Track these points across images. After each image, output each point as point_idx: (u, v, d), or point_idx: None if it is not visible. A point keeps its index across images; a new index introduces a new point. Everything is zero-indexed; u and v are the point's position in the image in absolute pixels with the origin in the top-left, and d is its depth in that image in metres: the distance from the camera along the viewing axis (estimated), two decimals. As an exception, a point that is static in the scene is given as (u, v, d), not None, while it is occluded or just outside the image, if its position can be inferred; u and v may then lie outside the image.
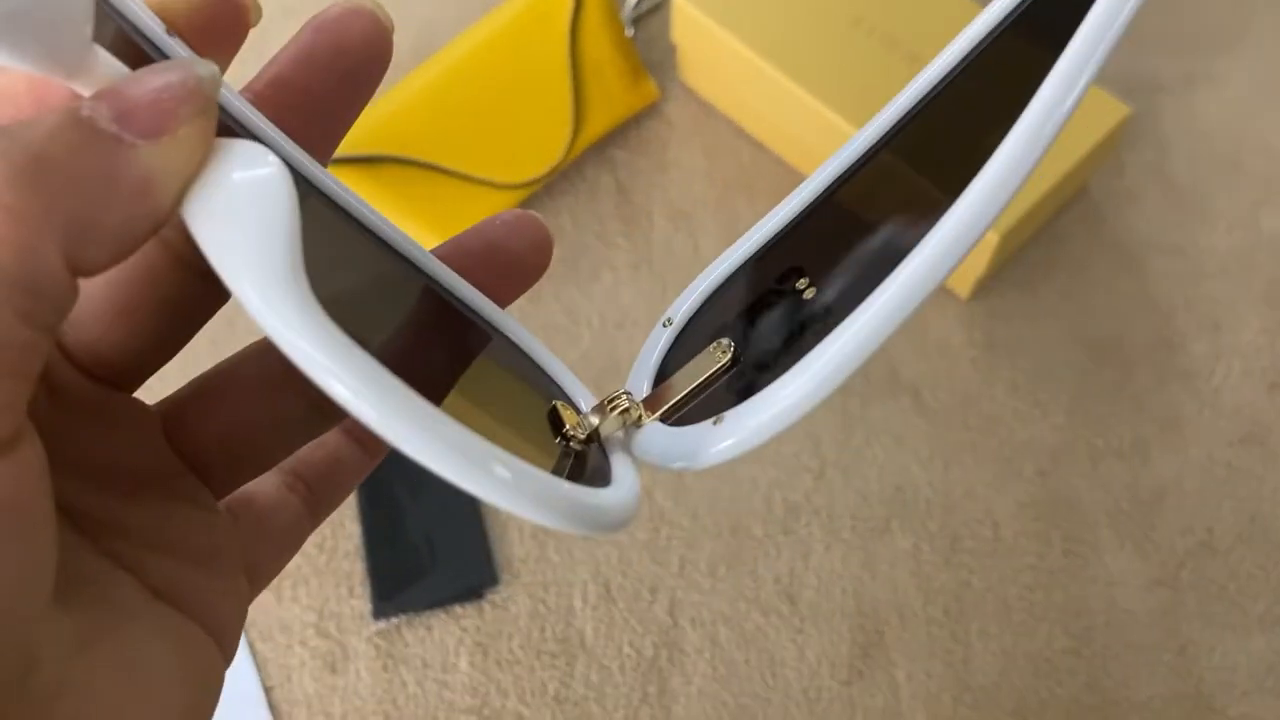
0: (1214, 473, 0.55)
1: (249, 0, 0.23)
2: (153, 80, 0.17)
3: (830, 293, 0.22)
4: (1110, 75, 0.65)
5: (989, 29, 0.24)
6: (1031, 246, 0.60)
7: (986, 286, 0.59)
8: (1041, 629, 0.52)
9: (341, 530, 0.53)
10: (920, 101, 0.24)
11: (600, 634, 0.51)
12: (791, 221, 0.25)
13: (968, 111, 0.24)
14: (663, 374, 0.23)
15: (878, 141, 0.24)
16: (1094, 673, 0.51)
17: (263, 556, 0.23)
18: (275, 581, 0.52)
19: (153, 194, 0.17)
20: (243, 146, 0.17)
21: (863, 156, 0.25)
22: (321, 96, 0.22)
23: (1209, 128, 0.64)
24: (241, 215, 0.16)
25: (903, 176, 0.24)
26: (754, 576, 0.53)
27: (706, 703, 0.50)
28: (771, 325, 0.23)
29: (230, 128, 0.20)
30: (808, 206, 0.25)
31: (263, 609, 0.52)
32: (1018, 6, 0.23)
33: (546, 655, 0.51)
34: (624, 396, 0.23)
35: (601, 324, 0.58)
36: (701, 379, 0.22)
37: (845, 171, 0.25)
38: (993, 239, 0.53)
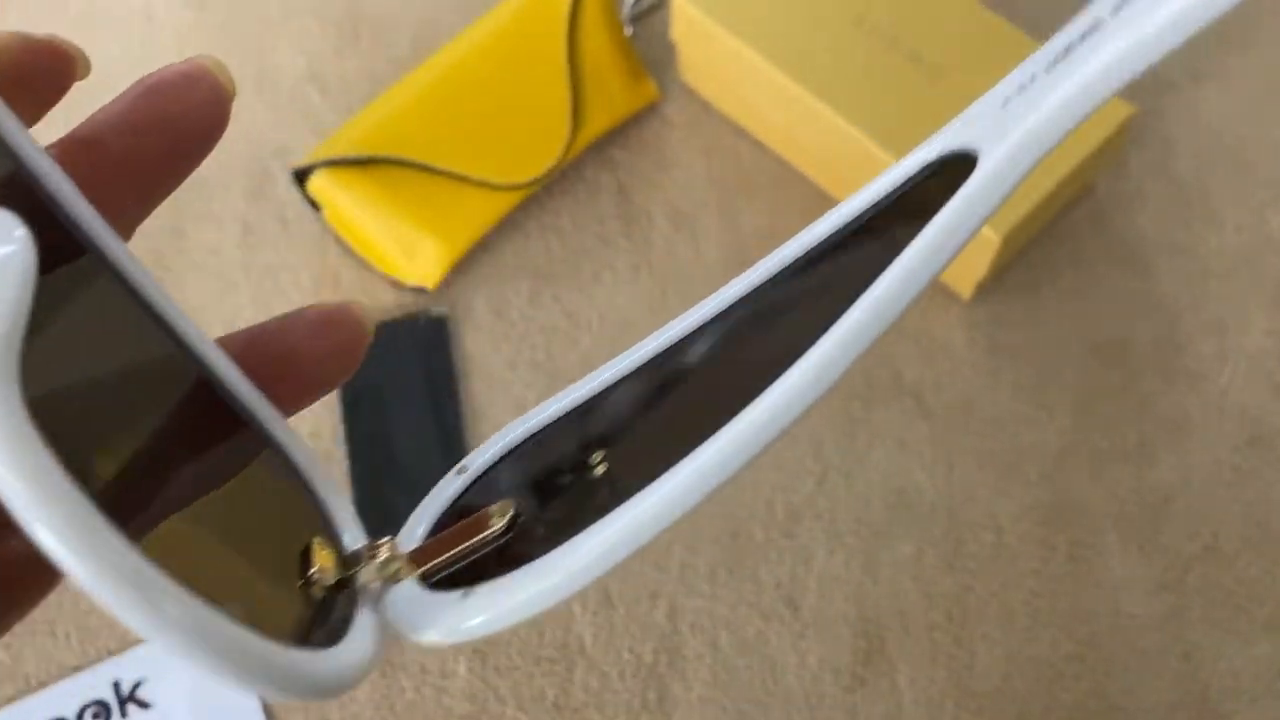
0: (1220, 476, 0.54)
1: (76, 51, 0.20)
2: None
3: (618, 474, 0.21)
4: (1115, 73, 0.64)
5: (835, 228, 0.22)
6: (1035, 247, 0.59)
7: (989, 288, 0.58)
8: (1045, 634, 0.51)
9: (339, 535, 0.53)
10: (752, 292, 0.23)
11: (599, 640, 0.51)
12: (602, 390, 0.23)
13: (787, 312, 0.22)
14: (442, 526, 0.22)
15: (697, 328, 0.23)
16: (1098, 678, 0.50)
17: None
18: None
19: None
20: None
21: (684, 339, 0.23)
22: (138, 166, 0.20)
23: (1216, 127, 0.63)
24: None
25: (715, 366, 0.23)
26: (755, 581, 0.52)
27: (707, 709, 0.50)
28: (556, 497, 0.21)
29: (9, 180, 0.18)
30: (622, 378, 0.23)
31: (259, 615, 0.51)
32: (856, 219, 0.22)
33: (545, 661, 0.51)
34: (387, 546, 0.21)
35: (601, 326, 0.58)
36: (471, 541, 0.20)
37: (663, 352, 0.23)
38: (994, 240, 0.53)
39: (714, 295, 0.23)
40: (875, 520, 0.53)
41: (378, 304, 0.58)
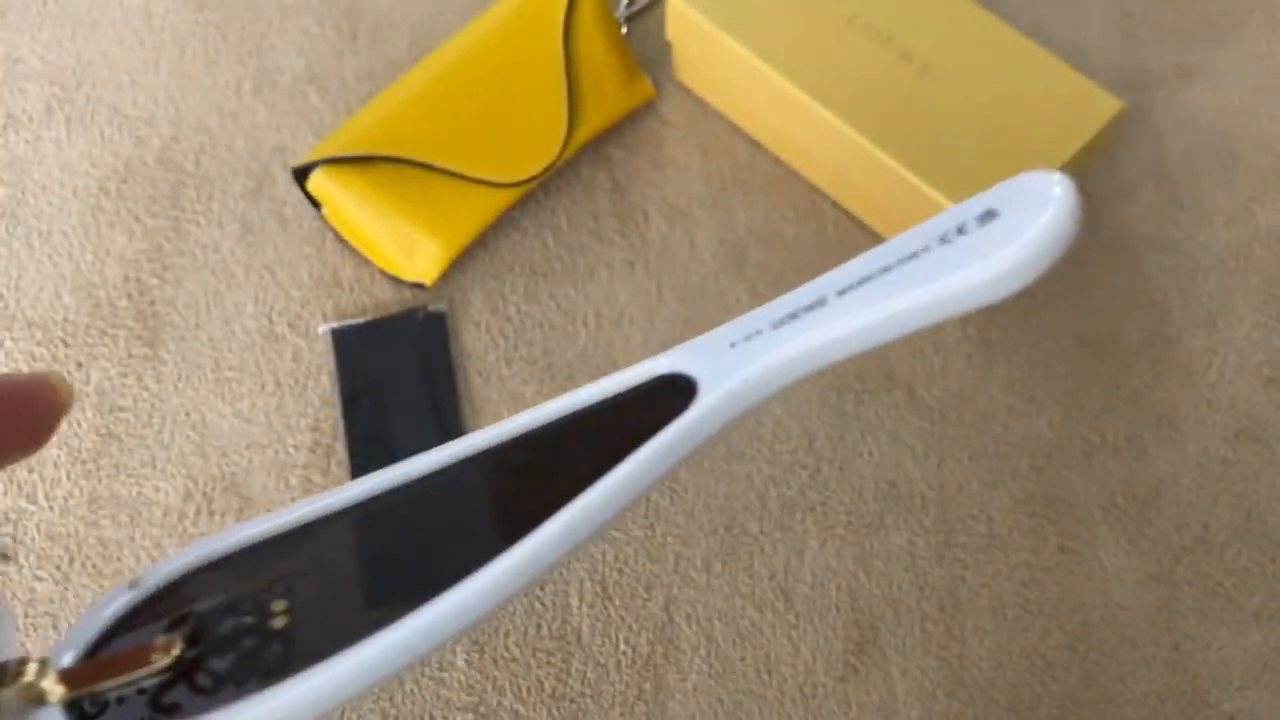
0: (1210, 468, 0.55)
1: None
2: None
3: (298, 632, 0.20)
4: (1105, 69, 0.65)
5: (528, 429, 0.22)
6: (1027, 242, 0.60)
7: (982, 282, 0.59)
8: (1036, 625, 0.52)
9: (338, 529, 0.53)
10: (473, 458, 0.22)
11: (596, 631, 0.52)
12: (297, 528, 0.22)
13: (495, 493, 0.22)
14: (103, 644, 0.20)
15: (405, 483, 0.22)
16: (1089, 668, 0.51)
17: None
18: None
19: None
20: None
21: (392, 491, 0.22)
22: None
23: (1205, 122, 0.64)
24: None
25: (410, 533, 0.22)
26: (749, 573, 0.53)
27: (702, 699, 0.50)
28: (229, 642, 0.20)
29: None
30: (319, 518, 0.22)
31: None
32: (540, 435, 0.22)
33: (543, 653, 0.51)
34: (34, 666, 0.19)
35: (598, 322, 0.58)
36: (128, 676, 0.19)
37: (360, 504, 0.22)
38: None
39: (433, 451, 0.22)
40: (868, 512, 0.54)
41: (376, 300, 0.59)
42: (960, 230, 0.18)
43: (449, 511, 0.22)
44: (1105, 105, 0.56)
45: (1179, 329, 0.58)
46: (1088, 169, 0.61)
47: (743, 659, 0.51)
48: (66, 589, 0.52)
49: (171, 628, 0.20)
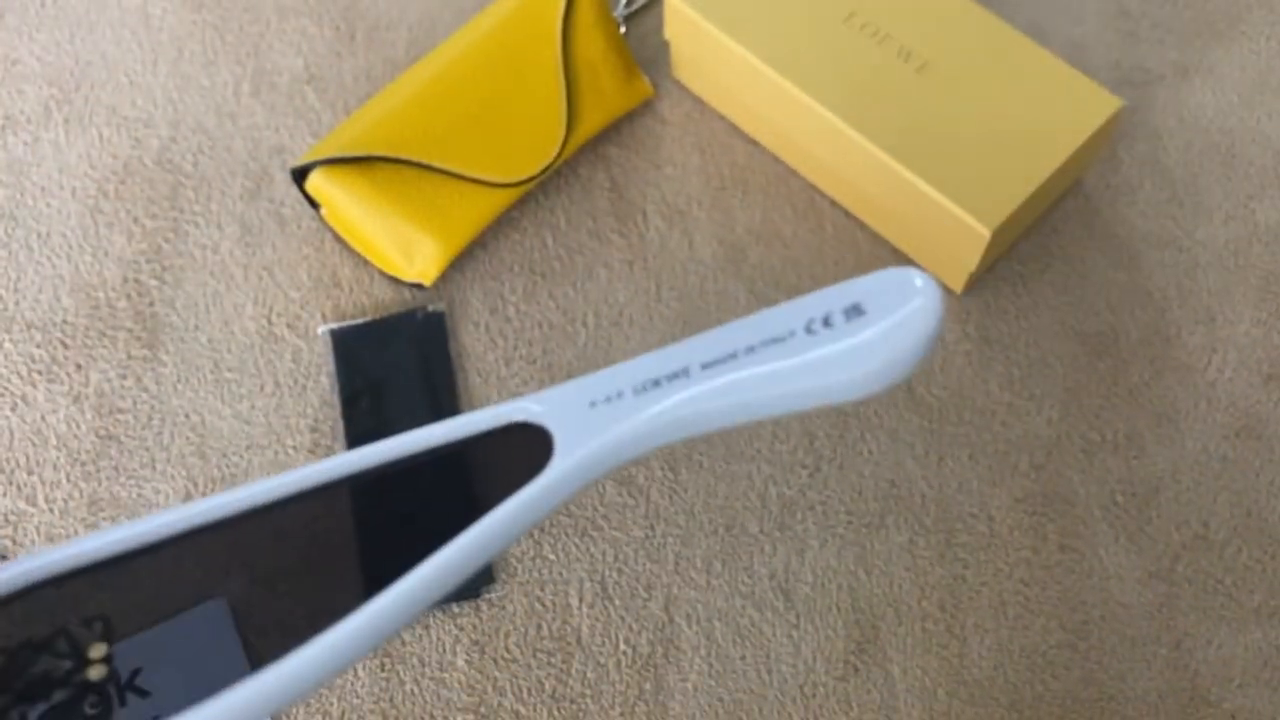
0: (1209, 466, 0.55)
1: None
2: None
3: (118, 691, 0.18)
4: (1104, 67, 0.65)
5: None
6: (1025, 240, 0.60)
7: (980, 281, 0.59)
8: (1037, 623, 0.52)
9: (338, 530, 0.53)
10: (306, 493, 0.21)
11: (596, 631, 0.52)
12: (122, 555, 0.20)
13: (338, 529, 0.21)
14: None
15: (240, 514, 0.20)
16: (1089, 666, 0.51)
17: None
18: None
19: None
20: None
21: (225, 522, 0.20)
22: None
23: (1204, 119, 0.64)
24: None
25: (252, 569, 0.20)
26: (749, 573, 0.53)
27: (702, 699, 0.50)
28: (37, 693, 0.18)
29: None
30: (145, 546, 0.20)
31: (260, 609, 0.52)
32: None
33: (543, 653, 0.51)
34: None
35: (597, 322, 0.58)
36: None
37: (194, 531, 0.20)
38: (984, 234, 0.53)
39: (284, 475, 0.21)
40: (868, 511, 0.54)
41: (376, 301, 0.59)
42: (826, 322, 0.18)
43: (299, 550, 0.20)
44: (1104, 103, 0.56)
45: (1178, 326, 0.58)
46: (1086, 167, 0.61)
47: (743, 659, 0.51)
48: (66, 591, 0.52)
49: None
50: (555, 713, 0.50)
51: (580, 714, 0.50)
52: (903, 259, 0.60)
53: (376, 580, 0.19)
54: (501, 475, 0.20)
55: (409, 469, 0.21)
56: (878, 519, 0.54)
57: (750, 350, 0.18)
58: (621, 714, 0.50)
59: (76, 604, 0.19)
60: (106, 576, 0.19)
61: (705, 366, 0.18)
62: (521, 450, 0.20)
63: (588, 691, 0.50)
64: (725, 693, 0.50)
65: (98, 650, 0.18)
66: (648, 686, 0.50)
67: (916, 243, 0.59)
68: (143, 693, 0.18)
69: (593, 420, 0.19)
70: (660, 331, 0.58)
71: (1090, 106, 0.56)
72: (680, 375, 0.19)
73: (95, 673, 0.18)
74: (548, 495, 0.19)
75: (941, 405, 0.56)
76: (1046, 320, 0.58)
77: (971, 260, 0.56)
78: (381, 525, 0.20)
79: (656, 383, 0.19)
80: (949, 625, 0.52)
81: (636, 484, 0.54)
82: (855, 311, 0.17)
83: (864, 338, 0.17)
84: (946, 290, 0.59)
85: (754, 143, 0.63)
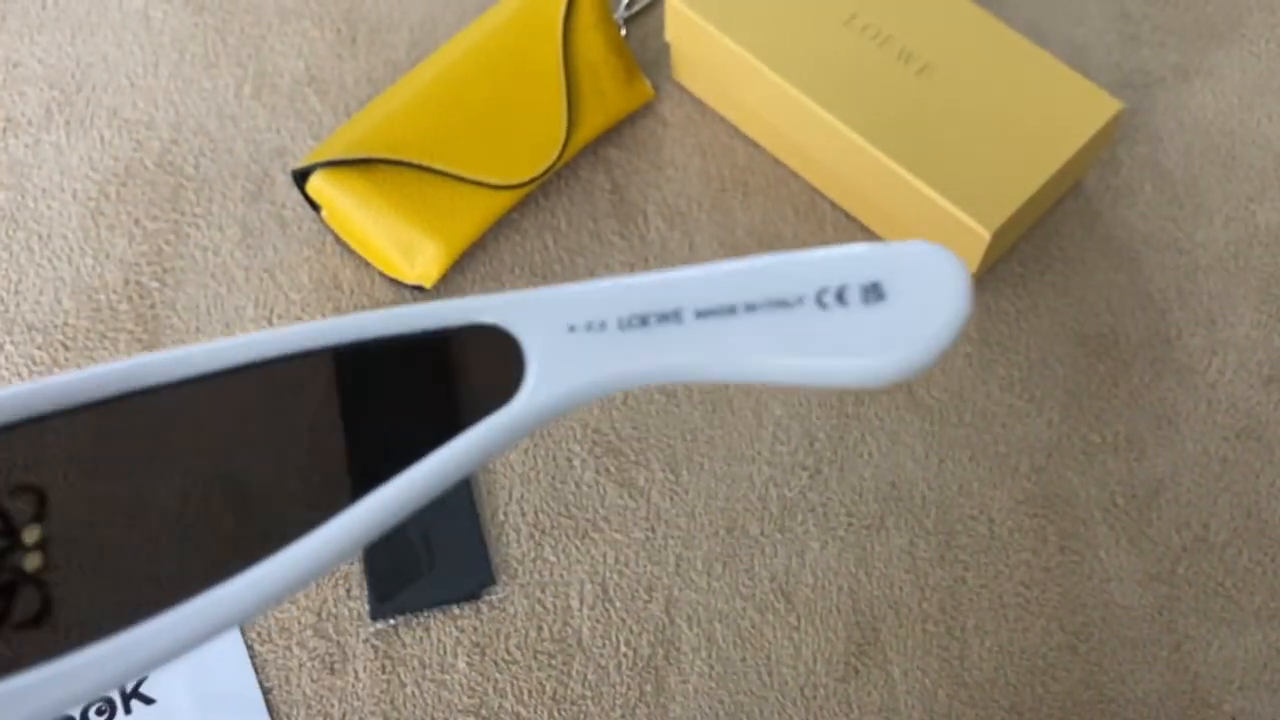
0: (1210, 468, 0.55)
1: None
2: None
3: (59, 585, 0.15)
4: (1104, 69, 0.65)
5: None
6: (1026, 242, 0.60)
7: (981, 282, 0.59)
8: (1037, 625, 0.52)
9: (339, 531, 0.53)
10: (253, 366, 0.18)
11: (597, 633, 0.52)
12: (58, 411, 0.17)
13: (288, 413, 0.18)
14: None
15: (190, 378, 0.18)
16: (1090, 669, 0.51)
17: None
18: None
19: None
20: None
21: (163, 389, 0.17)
22: None
23: (1204, 121, 0.64)
24: None
25: (191, 455, 0.17)
26: (750, 575, 0.53)
27: (703, 701, 0.50)
28: None
29: None
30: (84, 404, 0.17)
31: (261, 610, 0.52)
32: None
33: (544, 655, 0.51)
34: None
35: (597, 324, 0.58)
36: None
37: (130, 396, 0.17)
38: (984, 236, 0.53)
39: (213, 344, 0.18)
40: (868, 513, 0.54)
41: (376, 303, 0.59)
42: (840, 298, 0.16)
43: (255, 431, 0.18)
44: (1104, 105, 0.56)
45: (1178, 328, 0.58)
46: (1086, 169, 0.61)
47: (744, 660, 0.51)
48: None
49: None
50: (556, 715, 0.50)
51: (581, 716, 0.50)
52: (903, 261, 0.60)
53: (333, 490, 0.17)
54: (466, 385, 0.18)
55: (365, 356, 0.18)
56: (878, 521, 0.54)
57: (751, 308, 0.16)
58: (622, 716, 0.50)
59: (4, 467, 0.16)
60: (40, 436, 0.16)
61: (700, 315, 0.17)
62: (491, 359, 0.18)
63: (588, 693, 0.50)
64: (726, 695, 0.50)
65: (31, 534, 0.15)
66: (648, 688, 0.51)
67: (917, 245, 0.59)
68: (81, 597, 0.15)
69: (571, 349, 0.17)
70: (661, 333, 0.58)
71: (1090, 108, 0.56)
72: (671, 318, 0.17)
73: (31, 562, 0.15)
74: (517, 426, 0.17)
75: (942, 407, 0.56)
76: (1047, 322, 0.58)
77: (971, 262, 0.56)
78: (339, 423, 0.18)
79: (644, 320, 0.17)
80: (949, 627, 0.52)
81: (637, 485, 0.54)
82: (874, 293, 0.16)
83: (879, 329, 0.16)
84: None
85: (755, 144, 0.63)
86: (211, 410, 0.17)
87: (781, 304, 0.16)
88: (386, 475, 0.17)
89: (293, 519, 0.16)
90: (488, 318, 0.18)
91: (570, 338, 0.17)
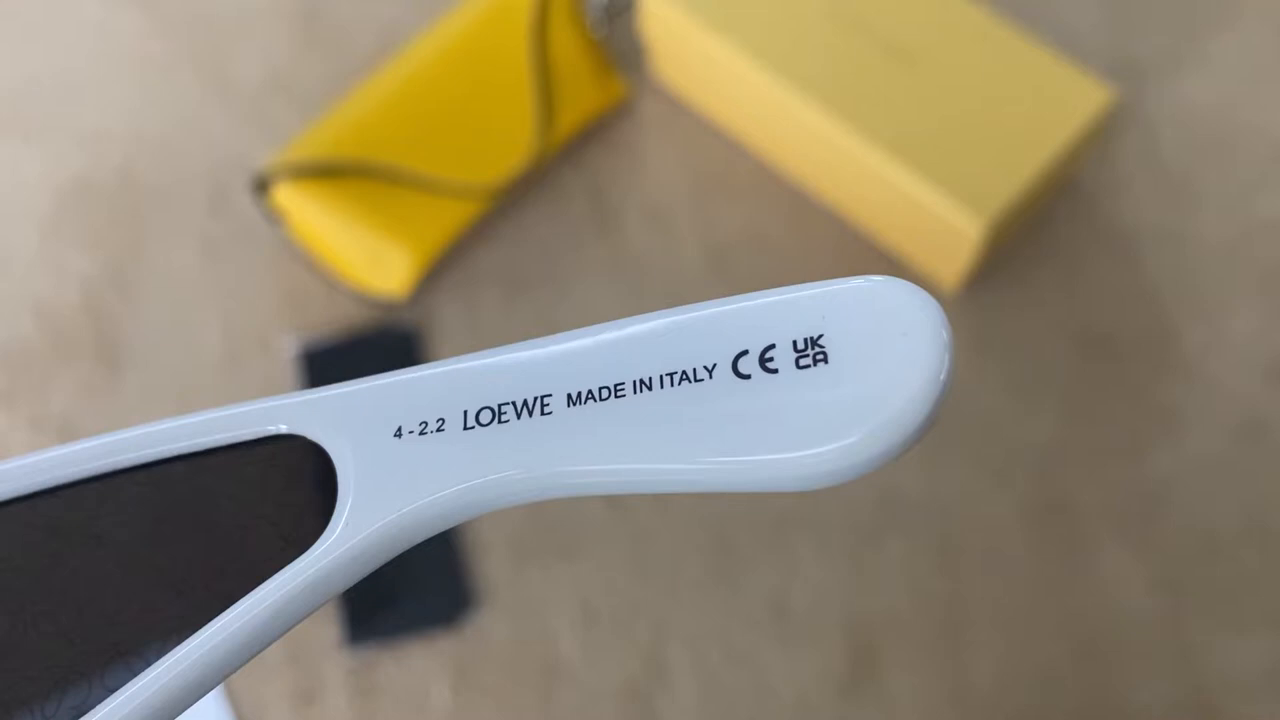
0: (1213, 468, 0.53)
1: None
2: None
3: None
4: (1096, 58, 0.63)
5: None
6: (1020, 237, 0.58)
7: (974, 280, 0.57)
8: (1040, 635, 0.50)
9: (312, 556, 0.51)
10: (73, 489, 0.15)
11: (583, 657, 0.49)
12: None
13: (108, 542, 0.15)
14: None
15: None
16: (1095, 679, 0.49)
17: None
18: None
19: None
20: None
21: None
22: None
23: (1200, 111, 0.62)
24: None
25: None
26: (742, 592, 0.51)
27: (695, 725, 0.48)
28: None
29: None
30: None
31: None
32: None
33: (528, 681, 0.49)
34: None
35: (577, 332, 0.56)
36: None
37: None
38: (976, 232, 0.51)
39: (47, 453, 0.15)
40: (863, 523, 0.52)
41: (346, 316, 0.57)
42: (765, 362, 0.11)
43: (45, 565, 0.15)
44: (1097, 95, 0.54)
45: (1178, 324, 0.56)
46: (1081, 160, 0.59)
47: (737, 681, 0.49)
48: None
49: None
50: (542, 744, 0.48)
51: (568, 744, 0.48)
52: (892, 259, 0.58)
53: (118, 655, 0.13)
54: (262, 522, 0.13)
55: (141, 490, 0.15)
56: (874, 531, 0.52)
57: (645, 386, 0.12)
58: (611, 743, 0.48)
59: None
60: None
61: (574, 402, 0.12)
62: (295, 484, 0.13)
63: (575, 719, 0.48)
64: (719, 716, 0.48)
65: None
66: (638, 713, 0.48)
67: (907, 241, 0.57)
68: None
69: (397, 461, 0.13)
70: (643, 341, 0.56)
71: (1082, 98, 0.54)
72: (534, 408, 0.13)
73: None
74: (321, 580, 0.12)
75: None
76: (1043, 320, 0.56)
77: (964, 258, 0.54)
78: (93, 580, 0.14)
79: (498, 413, 0.13)
80: (949, 641, 0.50)
81: (623, 502, 0.52)
82: (814, 347, 0.11)
83: (822, 405, 0.10)
84: (939, 291, 0.57)
85: (737, 142, 0.61)
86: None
87: (683, 379, 0.11)
88: (147, 658, 0.12)
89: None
90: (283, 424, 0.13)
91: (396, 445, 0.13)
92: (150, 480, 0.14)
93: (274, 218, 0.57)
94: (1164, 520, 0.52)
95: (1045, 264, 0.58)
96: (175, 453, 0.14)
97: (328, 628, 0.50)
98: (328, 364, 0.55)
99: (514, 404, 0.13)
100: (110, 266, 0.58)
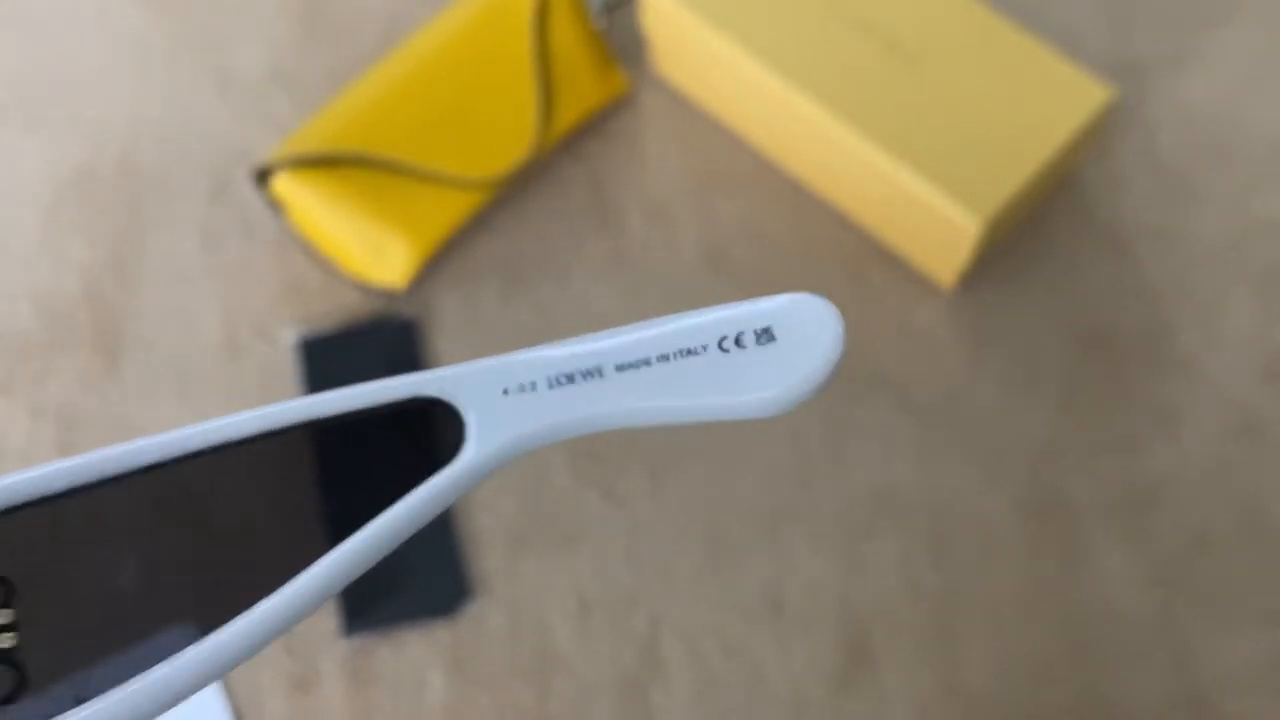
0: (1208, 466, 0.53)
1: None
2: None
3: (29, 662, 0.17)
4: (1096, 57, 0.63)
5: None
6: (1018, 235, 0.58)
7: (972, 277, 0.57)
8: (1034, 631, 0.50)
9: (309, 546, 0.51)
10: (217, 449, 0.20)
11: (579, 648, 0.50)
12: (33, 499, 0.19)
13: (252, 494, 0.20)
14: None
15: (146, 467, 0.20)
16: (1089, 675, 0.49)
17: None
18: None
19: None
20: None
21: (129, 476, 0.20)
22: None
23: (1198, 110, 0.62)
24: None
25: (156, 533, 0.20)
26: (737, 585, 0.51)
27: (690, 716, 0.48)
28: None
29: None
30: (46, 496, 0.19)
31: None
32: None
33: (523, 672, 0.49)
34: None
35: (576, 324, 0.56)
36: None
37: (97, 485, 0.20)
38: (973, 228, 0.51)
39: (171, 433, 0.20)
40: (858, 518, 0.52)
41: (345, 307, 0.57)
42: (739, 342, 0.19)
43: (197, 520, 0.20)
44: (1096, 93, 0.54)
45: (1174, 322, 0.56)
46: (1079, 158, 0.59)
47: (731, 673, 0.49)
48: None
49: None
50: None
51: (563, 735, 0.48)
52: (890, 255, 0.58)
53: (307, 546, 0.19)
54: (416, 448, 0.20)
55: (326, 430, 0.20)
56: (869, 526, 0.52)
57: (664, 359, 0.19)
58: (606, 734, 0.48)
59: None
60: (7, 527, 0.18)
61: (620, 369, 0.19)
62: (433, 427, 0.20)
63: (570, 711, 0.49)
64: (713, 709, 0.49)
65: (4, 616, 0.17)
66: (633, 705, 0.49)
67: (905, 238, 0.57)
68: (51, 670, 0.17)
69: (506, 409, 0.20)
70: (641, 334, 0.56)
71: (1082, 97, 0.54)
72: (594, 374, 0.20)
73: (3, 642, 0.17)
74: (460, 481, 0.20)
75: (932, 407, 0.54)
76: (1040, 317, 0.57)
77: (962, 255, 0.54)
78: (307, 490, 0.20)
79: (570, 378, 0.20)
80: (943, 635, 0.50)
81: (618, 494, 0.53)
82: (767, 335, 0.19)
83: (773, 366, 0.19)
84: (937, 287, 0.57)
85: (736, 137, 0.61)
86: (180, 490, 0.19)
87: (688, 352, 0.19)
88: (353, 528, 0.19)
89: (270, 574, 0.18)
90: (430, 390, 0.20)
91: (504, 400, 0.20)
92: (321, 432, 0.20)
93: (274, 208, 0.57)
94: (1158, 517, 0.52)
95: (1043, 261, 0.58)
96: (338, 412, 0.20)
97: (325, 618, 0.50)
98: (327, 353, 0.55)
99: (580, 371, 0.20)
100: (110, 255, 0.58)
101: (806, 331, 0.19)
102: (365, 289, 0.57)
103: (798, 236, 0.59)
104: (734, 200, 0.60)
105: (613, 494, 0.53)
